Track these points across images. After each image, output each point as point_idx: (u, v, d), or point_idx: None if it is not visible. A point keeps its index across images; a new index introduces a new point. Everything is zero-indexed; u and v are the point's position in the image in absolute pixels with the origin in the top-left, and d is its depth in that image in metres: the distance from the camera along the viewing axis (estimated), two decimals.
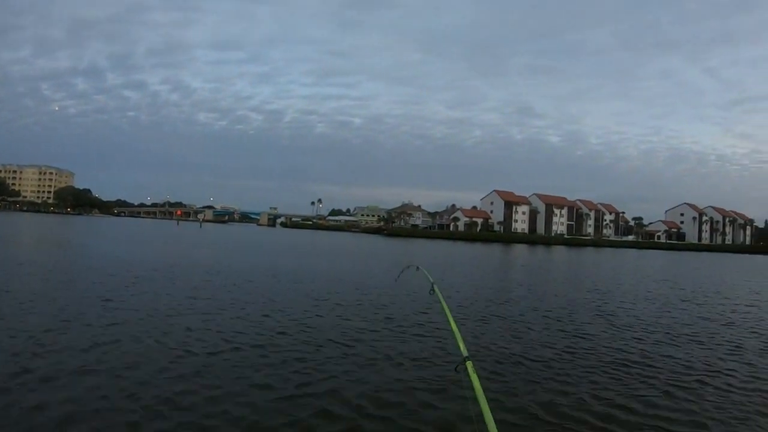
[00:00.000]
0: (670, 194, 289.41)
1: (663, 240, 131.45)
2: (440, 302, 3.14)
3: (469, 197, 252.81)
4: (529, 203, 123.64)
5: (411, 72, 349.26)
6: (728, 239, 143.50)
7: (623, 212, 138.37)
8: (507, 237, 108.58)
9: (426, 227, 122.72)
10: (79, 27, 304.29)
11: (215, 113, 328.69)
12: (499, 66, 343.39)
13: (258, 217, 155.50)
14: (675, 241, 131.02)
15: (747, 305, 16.83)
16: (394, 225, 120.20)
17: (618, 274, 30.45)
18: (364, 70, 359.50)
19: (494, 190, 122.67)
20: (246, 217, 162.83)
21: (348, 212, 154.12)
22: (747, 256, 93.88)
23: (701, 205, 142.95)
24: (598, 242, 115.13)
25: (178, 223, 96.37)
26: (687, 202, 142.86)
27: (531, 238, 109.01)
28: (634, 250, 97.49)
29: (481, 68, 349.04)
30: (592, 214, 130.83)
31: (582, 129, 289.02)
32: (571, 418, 5.38)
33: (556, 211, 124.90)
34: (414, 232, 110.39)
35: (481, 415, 1.65)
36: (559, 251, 67.88)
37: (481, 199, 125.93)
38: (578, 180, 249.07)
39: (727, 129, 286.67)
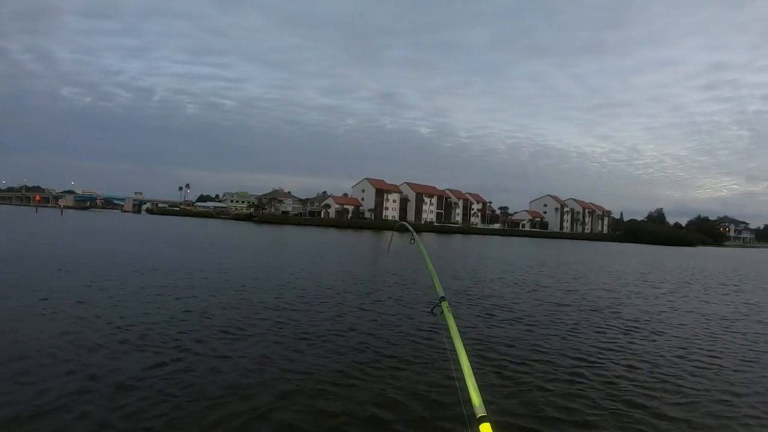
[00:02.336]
0: (534, 186, 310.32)
1: (527, 228, 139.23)
2: (421, 252, 3.11)
3: (340, 185, 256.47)
4: (400, 191, 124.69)
5: (287, 56, 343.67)
6: (587, 228, 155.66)
7: (490, 202, 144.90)
8: (378, 224, 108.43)
9: (297, 214, 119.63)
10: None
11: (80, 88, 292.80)
12: (376, 56, 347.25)
13: (122, 203, 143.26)
14: (538, 229, 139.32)
15: (606, 289, 17.50)
16: (264, 212, 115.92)
17: (485, 260, 30.29)
18: (239, 51, 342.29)
19: (366, 178, 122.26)
20: (109, 203, 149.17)
21: (217, 198, 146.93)
22: (604, 243, 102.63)
23: (563, 197, 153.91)
24: (467, 230, 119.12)
25: (36, 210, 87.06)
26: (550, 194, 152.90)
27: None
28: (499, 237, 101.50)
29: (358, 57, 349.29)
30: (461, 203, 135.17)
31: (451, 122, 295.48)
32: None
33: (426, 199, 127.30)
34: (285, 219, 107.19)
35: (454, 348, 1.77)
36: (429, 238, 68.60)
37: (353, 187, 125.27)
38: (447, 170, 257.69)
39: (589, 130, 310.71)
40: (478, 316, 10.62)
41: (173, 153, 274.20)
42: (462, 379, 1.60)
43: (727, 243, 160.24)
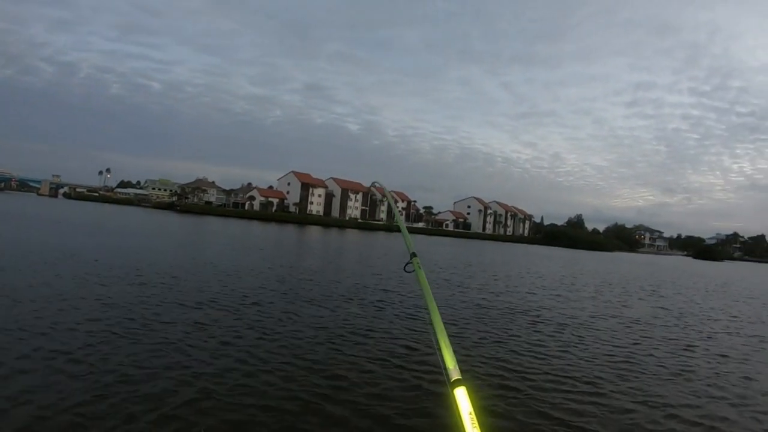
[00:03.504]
0: (458, 187, 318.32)
1: (451, 228, 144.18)
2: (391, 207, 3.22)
3: (265, 176, 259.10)
4: (325, 186, 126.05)
5: (219, 41, 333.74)
6: (509, 231, 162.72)
7: (415, 201, 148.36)
8: (302, 218, 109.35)
9: (220, 205, 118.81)
10: None
11: (1, 59, 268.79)
12: (309, 49, 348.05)
13: (38, 186, 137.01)
14: (462, 230, 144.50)
15: (528, 292, 17.97)
16: (187, 201, 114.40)
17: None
18: (172, 32, 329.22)
19: (292, 171, 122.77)
20: (25, 186, 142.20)
21: (138, 185, 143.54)
22: (525, 246, 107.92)
23: (487, 199, 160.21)
24: (390, 227, 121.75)
25: None
26: (474, 195, 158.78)
27: (326, 221, 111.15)
28: (424, 236, 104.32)
29: (291, 48, 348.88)
30: (386, 200, 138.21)
31: (380, 120, 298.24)
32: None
33: (352, 195, 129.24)
34: (208, 209, 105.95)
35: (427, 306, 1.73)
36: (353, 234, 69.98)
37: (278, 180, 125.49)
38: (373, 167, 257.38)
39: (514, 136, 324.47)
40: (407, 318, 10.66)
41: (95, 135, 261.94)
42: (435, 340, 1.54)
43: (641, 249, 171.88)
